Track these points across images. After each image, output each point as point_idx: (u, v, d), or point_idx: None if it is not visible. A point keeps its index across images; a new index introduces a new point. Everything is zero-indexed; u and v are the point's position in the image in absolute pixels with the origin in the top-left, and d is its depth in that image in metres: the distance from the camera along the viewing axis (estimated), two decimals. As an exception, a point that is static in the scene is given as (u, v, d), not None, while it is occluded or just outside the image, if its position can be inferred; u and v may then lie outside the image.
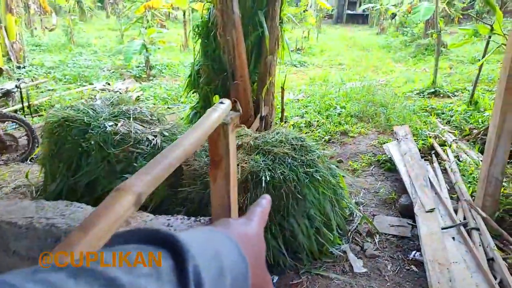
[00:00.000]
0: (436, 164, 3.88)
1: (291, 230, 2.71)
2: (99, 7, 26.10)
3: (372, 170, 4.25)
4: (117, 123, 3.39)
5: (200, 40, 4.38)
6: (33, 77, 8.82)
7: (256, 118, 4.34)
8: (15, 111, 4.80)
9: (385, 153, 4.43)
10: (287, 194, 2.65)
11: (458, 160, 4.02)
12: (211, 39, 4.22)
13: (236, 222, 0.45)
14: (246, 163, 2.74)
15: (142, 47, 8.29)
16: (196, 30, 4.33)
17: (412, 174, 3.52)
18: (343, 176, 4.01)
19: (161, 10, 13.67)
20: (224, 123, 1.17)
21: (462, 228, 2.78)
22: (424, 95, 6.73)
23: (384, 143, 4.75)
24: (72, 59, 10.72)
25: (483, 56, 5.48)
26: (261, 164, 2.70)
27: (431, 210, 2.95)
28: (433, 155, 4.19)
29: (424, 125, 5.19)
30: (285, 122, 5.18)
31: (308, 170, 2.76)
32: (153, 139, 3.26)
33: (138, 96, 6.75)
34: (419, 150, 4.52)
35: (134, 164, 3.18)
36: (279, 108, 6.10)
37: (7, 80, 8.25)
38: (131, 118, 3.46)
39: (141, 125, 3.49)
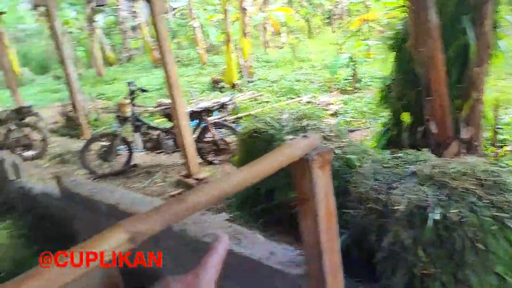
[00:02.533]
0: None
1: (468, 286, 2.17)
2: (326, 23, 27.93)
3: None
4: (296, 137, 3.55)
5: (393, 53, 4.08)
6: (257, 90, 10.25)
7: (454, 141, 3.69)
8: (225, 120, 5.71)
9: None
10: (462, 240, 2.14)
11: None
12: (404, 51, 3.85)
13: (178, 283, 0.43)
14: (414, 194, 2.37)
15: (349, 60, 8.36)
16: (388, 42, 4.05)
17: None
18: None
19: (381, 21, 13.35)
20: (307, 159, 1.07)
21: None
22: None
23: None
24: (292, 73, 11.87)
25: None
26: (431, 198, 2.29)
27: None
28: None
29: None
30: (500, 148, 4.21)
31: (497, 214, 2.15)
32: (325, 156, 3.24)
33: (337, 110, 6.84)
34: None
35: (305, 179, 3.25)
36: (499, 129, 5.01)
37: (237, 93, 9.91)
38: (309, 134, 3.55)
39: (317, 141, 3.54)
